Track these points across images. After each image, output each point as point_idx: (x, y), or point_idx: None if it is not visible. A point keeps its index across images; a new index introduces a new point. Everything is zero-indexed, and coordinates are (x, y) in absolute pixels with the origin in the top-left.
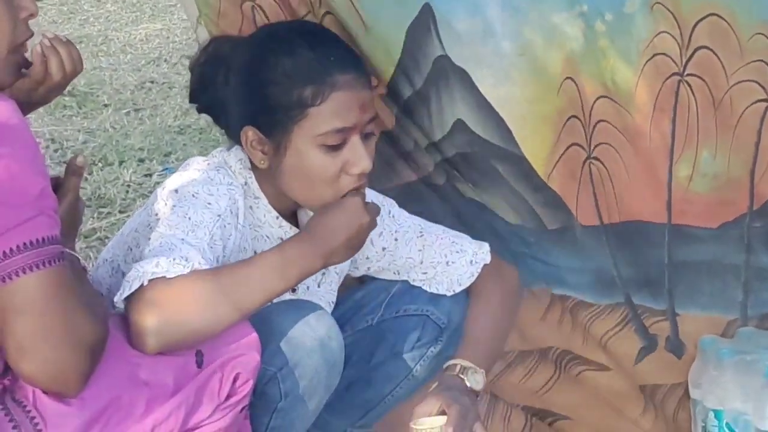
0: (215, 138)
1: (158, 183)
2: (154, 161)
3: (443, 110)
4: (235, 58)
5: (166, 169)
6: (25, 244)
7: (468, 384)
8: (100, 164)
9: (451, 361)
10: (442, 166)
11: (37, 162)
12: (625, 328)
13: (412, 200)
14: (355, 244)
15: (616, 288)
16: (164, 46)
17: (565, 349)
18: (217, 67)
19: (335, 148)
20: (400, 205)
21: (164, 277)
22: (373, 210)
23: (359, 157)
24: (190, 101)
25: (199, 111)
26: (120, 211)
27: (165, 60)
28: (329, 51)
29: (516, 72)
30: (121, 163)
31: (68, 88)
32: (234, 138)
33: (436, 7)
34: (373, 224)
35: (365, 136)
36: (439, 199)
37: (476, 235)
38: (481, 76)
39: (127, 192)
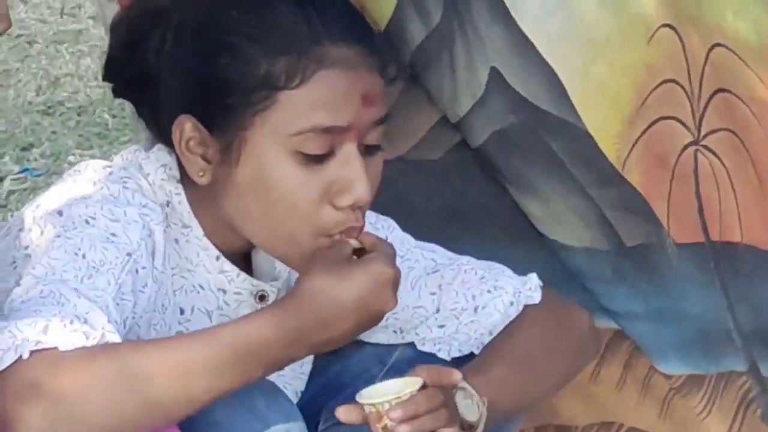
0: (102, 121)
1: (13, 192)
2: (7, 158)
3: (473, 58)
4: (178, 11)
5: (26, 170)
6: None
7: (459, 409)
8: None
9: None
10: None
11: None
12: (748, 412)
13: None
14: (362, 331)
15: (732, 347)
16: None
17: None
18: (151, 25)
19: (317, 159)
20: None
21: (56, 349)
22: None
23: (354, 177)
24: (105, 78)
25: (117, 94)
26: None
27: None
28: (322, 9)
29: (580, 1)
30: None
31: None
32: (164, 136)
33: None
34: (395, 303)
35: (367, 149)
36: (431, 190)
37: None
38: (521, 4)
39: None
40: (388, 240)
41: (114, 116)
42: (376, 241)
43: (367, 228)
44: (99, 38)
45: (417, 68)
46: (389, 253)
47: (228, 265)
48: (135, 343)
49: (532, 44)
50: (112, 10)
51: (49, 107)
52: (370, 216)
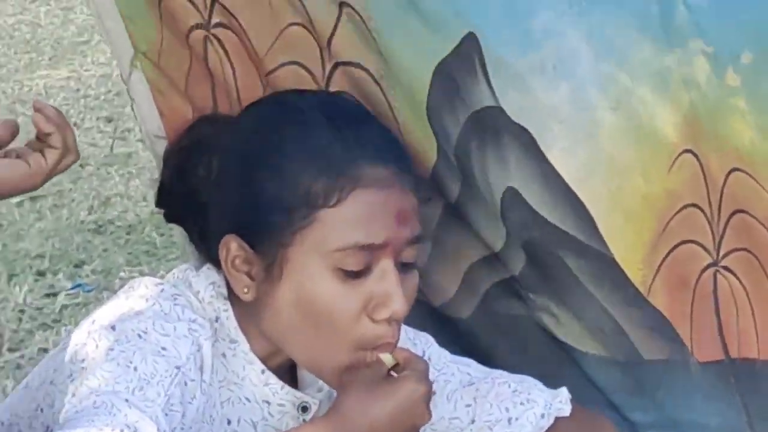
0: (150, 240)
1: (66, 307)
2: (60, 274)
3: (489, 183)
4: (222, 139)
5: (78, 285)
6: None
7: None
8: None
9: None
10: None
11: None
12: None
13: None
14: None
15: None
16: (73, 104)
17: None
18: (199, 154)
19: (356, 275)
20: None
21: None
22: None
23: (391, 291)
24: (158, 206)
25: (169, 219)
26: (10, 349)
27: (75, 124)
28: (358, 132)
29: (605, 134)
30: (11, 277)
31: None
32: (212, 256)
33: (485, 36)
34: (429, 416)
35: (403, 267)
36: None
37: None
38: (549, 137)
39: (21, 320)
40: (426, 355)
41: (162, 235)
42: (408, 357)
43: (406, 343)
44: (147, 160)
45: (463, 202)
46: (422, 369)
47: (273, 378)
48: None
49: (557, 174)
50: (161, 146)
51: (100, 226)
52: (409, 332)
